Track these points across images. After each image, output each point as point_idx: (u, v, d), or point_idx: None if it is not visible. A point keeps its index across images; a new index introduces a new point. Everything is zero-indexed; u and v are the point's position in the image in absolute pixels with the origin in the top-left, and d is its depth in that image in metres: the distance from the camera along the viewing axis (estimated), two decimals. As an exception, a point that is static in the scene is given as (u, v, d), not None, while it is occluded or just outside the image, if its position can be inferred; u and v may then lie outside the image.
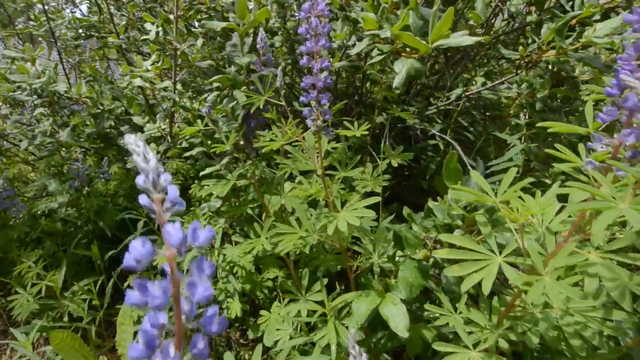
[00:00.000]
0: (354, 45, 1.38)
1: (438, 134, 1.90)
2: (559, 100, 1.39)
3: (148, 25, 1.12)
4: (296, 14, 2.13)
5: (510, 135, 1.79)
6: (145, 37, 1.12)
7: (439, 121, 2.05)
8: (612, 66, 1.03)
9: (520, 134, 1.35)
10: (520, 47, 1.20)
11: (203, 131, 1.13)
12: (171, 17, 1.12)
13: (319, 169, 0.92)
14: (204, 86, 1.85)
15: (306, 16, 0.83)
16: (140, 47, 2.28)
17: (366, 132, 1.45)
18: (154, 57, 1.21)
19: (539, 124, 0.68)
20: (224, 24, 0.97)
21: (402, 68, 0.86)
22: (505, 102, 1.62)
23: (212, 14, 1.69)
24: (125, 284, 1.71)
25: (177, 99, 1.22)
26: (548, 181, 1.42)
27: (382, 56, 0.96)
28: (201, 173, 1.23)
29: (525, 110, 1.58)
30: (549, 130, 0.65)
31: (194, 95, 1.88)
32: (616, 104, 0.50)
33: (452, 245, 0.70)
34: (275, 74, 1.09)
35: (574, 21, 1.20)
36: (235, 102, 1.05)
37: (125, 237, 1.84)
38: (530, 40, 1.59)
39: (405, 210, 1.12)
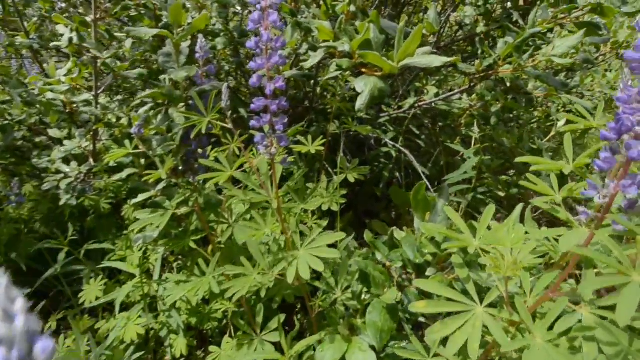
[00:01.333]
0: (305, 53, 1.27)
1: (391, 142, 1.87)
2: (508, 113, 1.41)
3: (60, 28, 0.92)
4: (239, 12, 1.96)
5: (460, 145, 1.80)
6: (57, 43, 0.92)
7: (391, 129, 2.02)
8: (568, 84, 1.02)
9: (475, 148, 1.34)
10: (477, 62, 1.17)
11: (133, 154, 0.96)
12: (88, 19, 0.93)
13: (274, 200, 0.80)
14: (137, 87, 1.63)
15: (255, 27, 0.71)
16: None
17: (321, 148, 1.36)
18: (69, 64, 1.00)
19: (519, 159, 0.63)
20: (154, 32, 0.81)
21: (364, 88, 0.77)
22: (457, 112, 1.61)
23: (142, 12, 1.49)
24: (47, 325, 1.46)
25: (100, 115, 1.03)
26: (501, 193, 1.43)
27: (340, 71, 0.86)
28: (133, 201, 1.06)
29: (475, 121, 1.58)
30: (532, 169, 0.60)
31: (127, 97, 1.66)
32: (613, 149, 0.45)
33: (424, 292, 0.63)
34: (219, 88, 0.95)
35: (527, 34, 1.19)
36: (172, 120, 0.90)
37: (44, 270, 1.59)
38: (480, 51, 1.58)
39: (367, 236, 1.05)
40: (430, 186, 1.78)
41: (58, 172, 1.39)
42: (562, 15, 1.06)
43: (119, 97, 1.66)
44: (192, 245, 1.02)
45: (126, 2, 1.43)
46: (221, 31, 1.54)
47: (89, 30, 0.93)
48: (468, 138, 1.77)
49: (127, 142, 0.98)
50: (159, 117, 0.90)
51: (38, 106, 1.45)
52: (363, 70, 0.87)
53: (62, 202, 1.39)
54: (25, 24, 1.54)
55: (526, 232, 0.70)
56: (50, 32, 1.91)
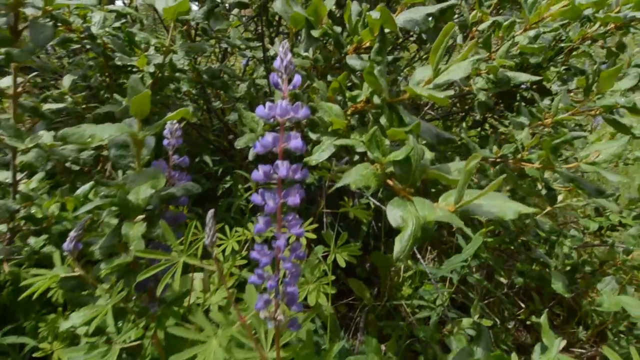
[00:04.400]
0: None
1: (373, 200, 1.71)
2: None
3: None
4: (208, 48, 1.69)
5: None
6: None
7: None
8: (604, 191, 0.90)
9: (481, 232, 1.20)
10: (495, 148, 1.02)
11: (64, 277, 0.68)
12: (4, 83, 0.63)
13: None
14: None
15: (265, 151, 0.48)
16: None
17: (313, 235, 1.15)
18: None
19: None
20: (108, 132, 0.55)
21: (403, 224, 0.57)
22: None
23: (88, 45, 1.19)
24: None
25: (19, 207, 0.74)
26: (502, 279, 1.30)
27: (364, 182, 0.65)
28: (63, 324, 0.77)
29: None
30: None
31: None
32: None
33: None
34: (193, 193, 0.71)
35: (549, 121, 1.07)
36: (125, 240, 0.64)
37: None
38: (479, 115, 1.46)
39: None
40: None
41: (-43, 250, 1.04)
42: (592, 111, 0.95)
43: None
44: (146, 391, 0.76)
45: (65, 33, 1.13)
46: (188, 77, 1.27)
47: (5, 105, 0.64)
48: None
49: (56, 257, 0.70)
50: (106, 235, 0.64)
51: None
52: (391, 184, 0.67)
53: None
54: None
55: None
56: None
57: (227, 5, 1.28)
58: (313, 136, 0.86)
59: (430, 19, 0.73)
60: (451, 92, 0.60)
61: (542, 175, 0.93)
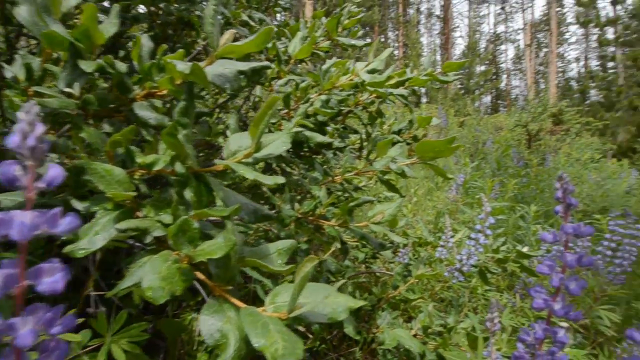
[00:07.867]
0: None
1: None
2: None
3: None
4: None
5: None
6: None
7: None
8: (385, 245, 1.02)
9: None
10: (297, 205, 1.02)
11: None
12: None
13: None
14: None
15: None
16: None
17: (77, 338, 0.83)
18: None
19: None
20: None
21: (222, 340, 0.44)
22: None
23: None
24: None
25: None
26: (301, 328, 1.31)
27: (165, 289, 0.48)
28: None
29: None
30: None
31: None
32: None
33: None
34: None
35: (339, 178, 1.16)
36: None
37: None
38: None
39: None
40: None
41: None
42: (370, 172, 1.08)
43: None
44: None
45: None
46: None
47: None
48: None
49: None
50: None
51: None
52: (202, 278, 0.52)
53: None
54: None
55: None
56: None
57: None
58: (79, 206, 0.61)
59: (242, 76, 0.64)
60: (282, 180, 0.52)
61: (339, 233, 0.99)
